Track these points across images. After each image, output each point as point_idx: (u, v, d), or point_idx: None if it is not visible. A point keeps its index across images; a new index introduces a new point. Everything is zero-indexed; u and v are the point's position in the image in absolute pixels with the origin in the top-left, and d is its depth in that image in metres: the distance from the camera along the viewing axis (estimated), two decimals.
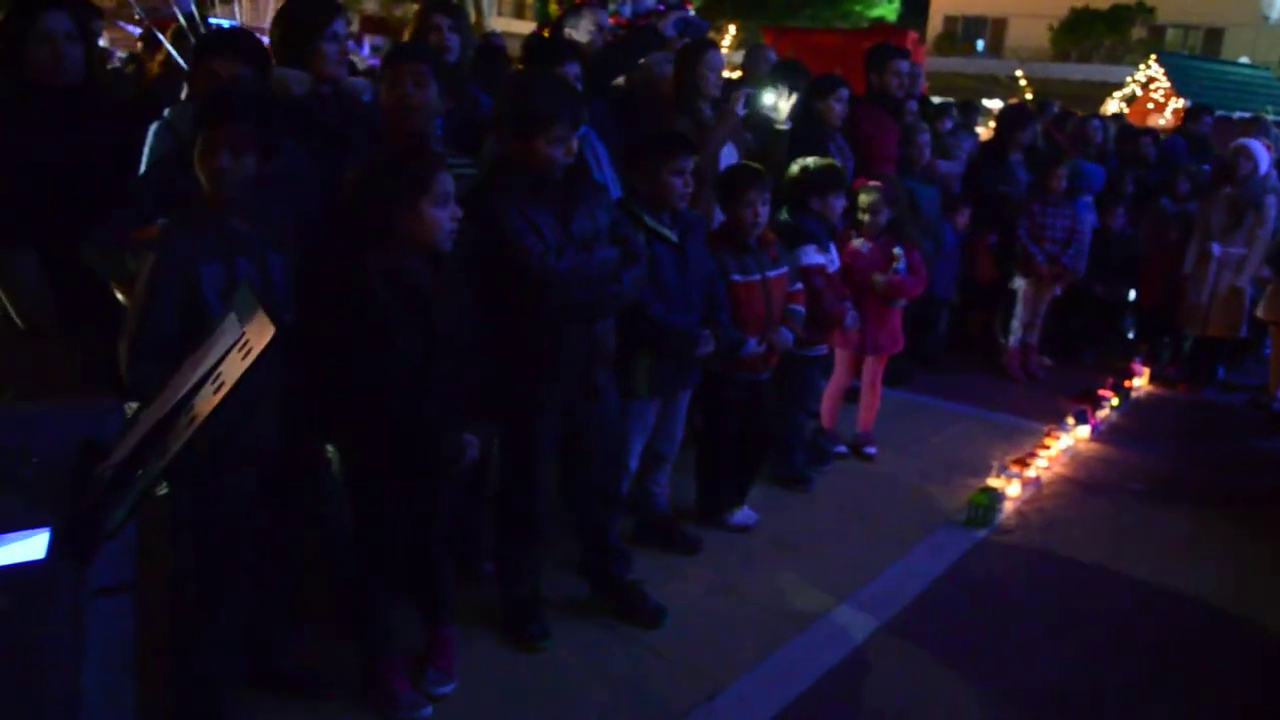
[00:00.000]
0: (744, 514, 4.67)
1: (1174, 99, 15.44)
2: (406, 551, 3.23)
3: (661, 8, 6.25)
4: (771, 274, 4.44)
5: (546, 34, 5.77)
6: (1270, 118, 10.03)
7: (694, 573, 4.23)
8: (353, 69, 6.81)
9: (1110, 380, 7.10)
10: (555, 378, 3.42)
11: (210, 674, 2.92)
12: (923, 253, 5.86)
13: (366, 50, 18.10)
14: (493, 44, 6.59)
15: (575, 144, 3.36)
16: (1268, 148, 7.53)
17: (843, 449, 5.70)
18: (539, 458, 3.55)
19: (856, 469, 5.58)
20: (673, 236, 3.89)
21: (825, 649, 3.75)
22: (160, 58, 6.50)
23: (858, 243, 5.42)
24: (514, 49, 6.73)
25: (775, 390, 4.71)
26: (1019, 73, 25.39)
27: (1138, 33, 33.60)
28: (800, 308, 4.60)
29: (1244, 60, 21.71)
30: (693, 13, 6.71)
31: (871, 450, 5.75)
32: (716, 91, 4.96)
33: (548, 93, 3.38)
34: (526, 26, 20.57)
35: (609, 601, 3.86)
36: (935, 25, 38.86)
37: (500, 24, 23.68)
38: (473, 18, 16.36)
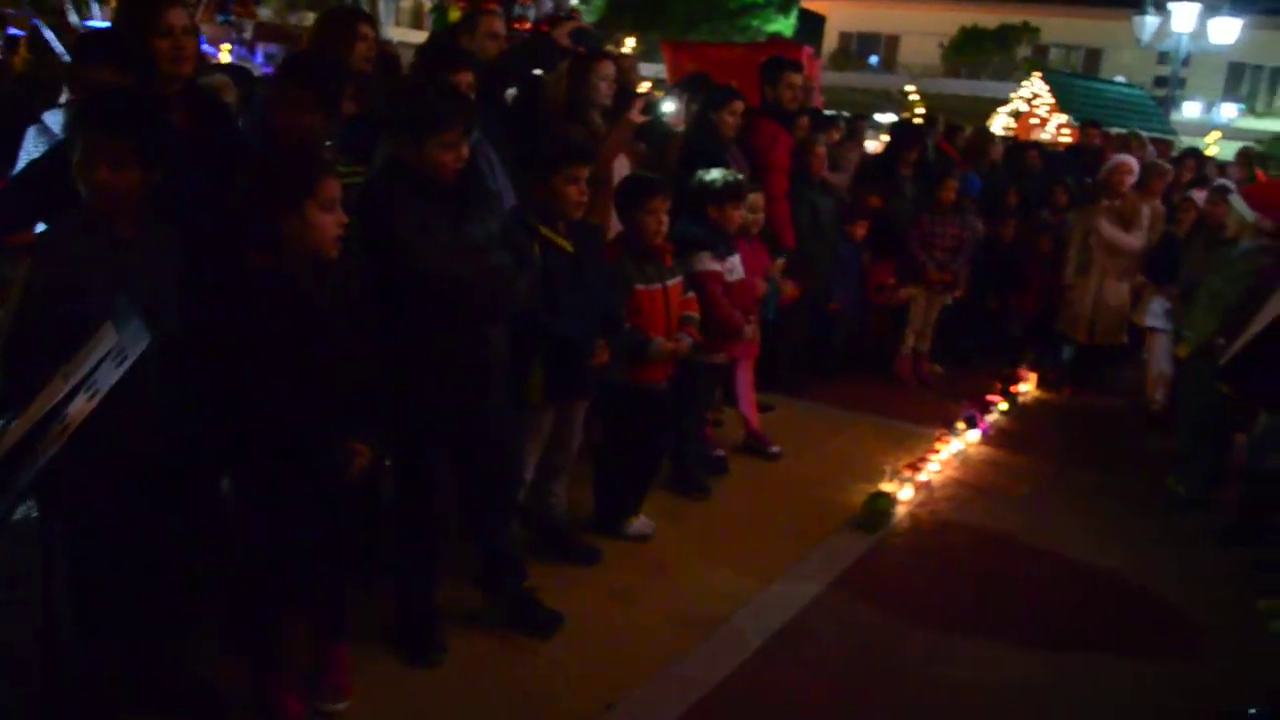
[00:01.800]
0: (641, 523, 4.67)
1: (1056, 114, 16.02)
2: (298, 566, 3.14)
3: (558, 14, 6.25)
4: (670, 282, 4.47)
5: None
6: (1144, 134, 10.47)
7: (592, 583, 4.21)
8: (248, 77, 6.69)
9: (998, 386, 7.31)
10: (448, 385, 3.37)
11: (89, 693, 2.82)
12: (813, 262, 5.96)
13: (260, 58, 17.76)
14: (386, 52, 6.50)
15: (467, 150, 3.35)
16: (1141, 161, 7.88)
17: (720, 453, 5.67)
18: (433, 468, 3.51)
19: (751, 474, 5.63)
20: (568, 245, 3.89)
21: (724, 655, 3.77)
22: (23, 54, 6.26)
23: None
24: (410, 59, 6.65)
25: (672, 399, 4.72)
26: (910, 87, 25.99)
27: (1023, 51, 34.75)
28: (693, 314, 4.63)
29: (1120, 79, 22.63)
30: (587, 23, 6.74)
31: (776, 449, 5.85)
32: (608, 101, 4.99)
33: (439, 97, 3.39)
34: (423, 37, 20.37)
35: (503, 611, 3.82)
36: (831, 41, 39.48)
37: (398, 34, 23.39)
38: None
